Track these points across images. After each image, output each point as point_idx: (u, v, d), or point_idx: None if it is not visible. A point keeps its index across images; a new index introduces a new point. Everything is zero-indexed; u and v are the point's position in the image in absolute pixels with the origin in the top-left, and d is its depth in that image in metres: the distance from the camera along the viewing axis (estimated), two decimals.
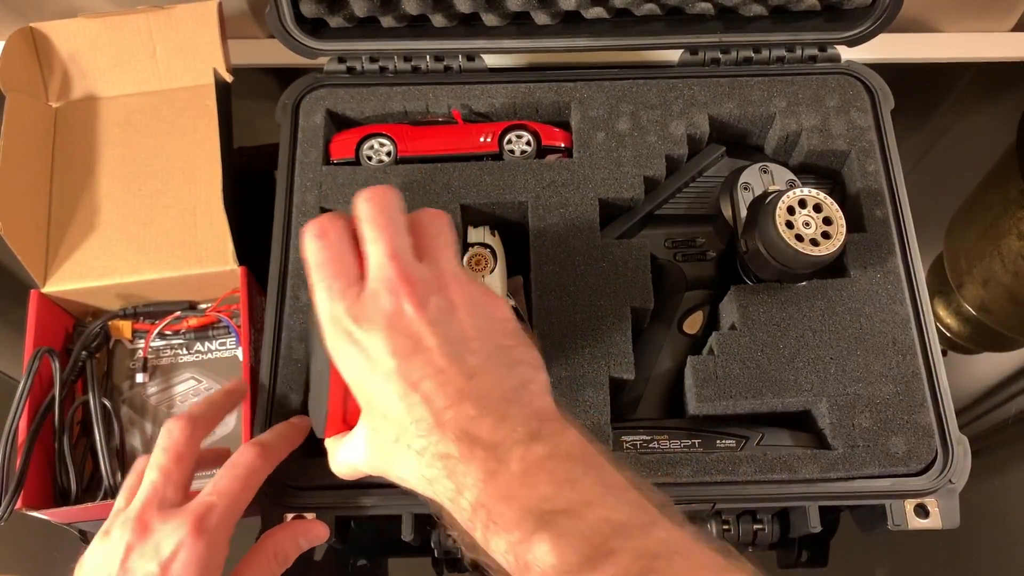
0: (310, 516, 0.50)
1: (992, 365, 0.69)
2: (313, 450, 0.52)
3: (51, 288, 0.59)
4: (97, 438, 0.57)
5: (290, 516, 0.50)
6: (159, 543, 0.41)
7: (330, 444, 0.45)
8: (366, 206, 0.40)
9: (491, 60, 0.64)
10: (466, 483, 0.35)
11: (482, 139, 0.61)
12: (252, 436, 0.52)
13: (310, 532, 0.48)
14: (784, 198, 0.51)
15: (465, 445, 0.35)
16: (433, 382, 0.36)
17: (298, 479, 0.50)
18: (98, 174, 0.64)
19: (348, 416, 0.46)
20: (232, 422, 0.60)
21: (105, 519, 0.45)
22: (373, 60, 0.63)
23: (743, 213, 0.56)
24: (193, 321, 0.63)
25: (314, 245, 0.40)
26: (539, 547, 0.33)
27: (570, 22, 0.63)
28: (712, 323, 0.58)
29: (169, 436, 0.45)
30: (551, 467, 0.35)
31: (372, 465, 0.40)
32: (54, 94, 0.67)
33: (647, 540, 0.33)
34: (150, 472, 0.44)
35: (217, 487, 0.44)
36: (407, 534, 0.50)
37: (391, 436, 0.38)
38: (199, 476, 0.47)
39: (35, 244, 0.60)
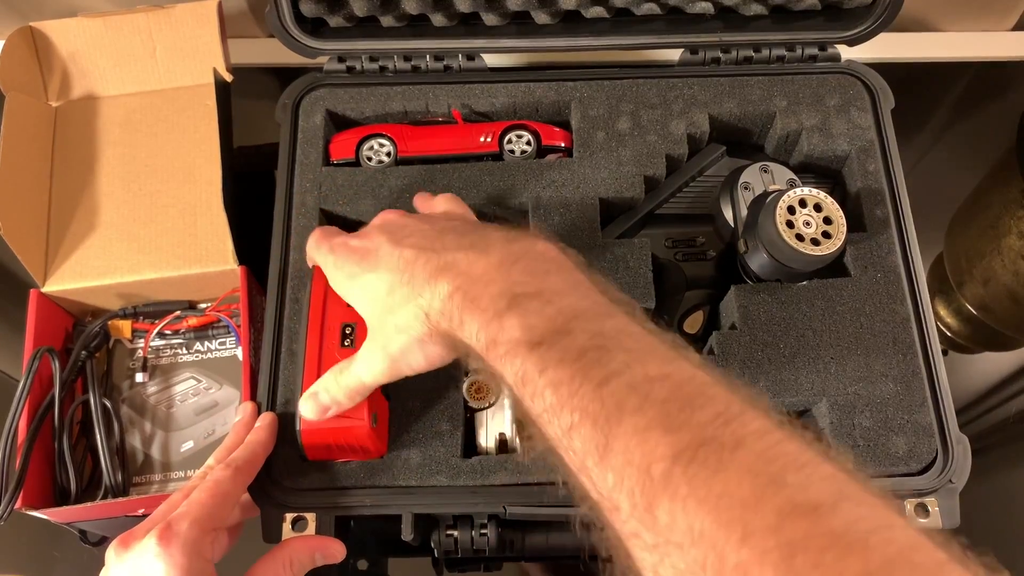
0: (309, 517, 0.50)
1: (992, 364, 0.70)
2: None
3: (51, 287, 0.59)
4: (98, 438, 0.57)
5: (290, 516, 0.50)
6: (134, 556, 0.42)
7: (328, 379, 0.47)
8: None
9: (491, 60, 0.64)
10: (447, 277, 0.40)
11: (482, 139, 0.61)
12: None
13: (327, 549, 0.48)
14: (784, 197, 0.51)
15: (448, 250, 0.41)
16: (421, 234, 0.43)
17: (298, 480, 0.50)
18: (98, 174, 0.64)
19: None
20: (232, 422, 0.59)
21: (104, 519, 0.45)
22: (373, 60, 0.63)
23: (743, 213, 0.56)
24: (193, 321, 0.63)
25: (323, 247, 0.48)
26: (507, 322, 0.37)
27: (570, 21, 0.63)
28: (712, 323, 0.58)
29: (214, 480, 0.46)
30: (526, 262, 0.39)
31: (376, 352, 0.44)
32: (54, 94, 0.67)
33: (604, 325, 0.36)
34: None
35: (188, 500, 0.45)
36: (407, 534, 0.50)
37: (390, 298, 0.42)
38: None
39: (35, 243, 0.60)
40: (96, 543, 0.60)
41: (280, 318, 0.55)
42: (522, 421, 0.37)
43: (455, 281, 0.39)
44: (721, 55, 0.63)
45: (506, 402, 0.53)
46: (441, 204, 0.51)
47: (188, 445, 0.60)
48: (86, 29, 0.65)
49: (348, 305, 0.48)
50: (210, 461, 0.48)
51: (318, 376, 0.48)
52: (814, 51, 0.63)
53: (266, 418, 0.51)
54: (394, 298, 0.42)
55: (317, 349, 0.50)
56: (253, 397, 0.53)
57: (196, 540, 0.42)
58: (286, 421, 0.52)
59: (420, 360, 0.43)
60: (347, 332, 0.50)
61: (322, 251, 0.48)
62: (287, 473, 0.50)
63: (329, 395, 0.46)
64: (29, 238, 0.60)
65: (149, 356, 0.62)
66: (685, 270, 0.59)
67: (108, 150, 0.65)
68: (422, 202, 0.53)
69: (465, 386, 0.52)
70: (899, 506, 0.29)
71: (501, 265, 0.39)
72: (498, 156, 0.61)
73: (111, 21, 0.65)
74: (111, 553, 0.43)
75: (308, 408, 0.47)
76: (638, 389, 0.33)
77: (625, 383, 0.33)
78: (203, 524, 0.43)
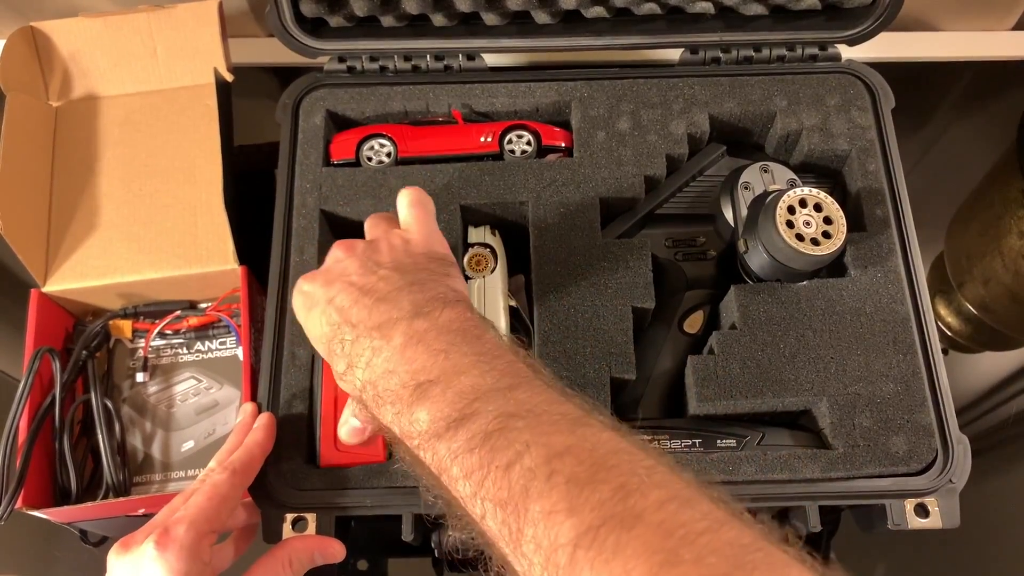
0: (310, 517, 0.50)
1: (993, 364, 0.69)
2: (312, 453, 0.52)
3: (51, 287, 0.59)
4: (100, 437, 0.57)
5: (290, 517, 0.50)
6: (133, 560, 0.43)
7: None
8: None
9: (491, 59, 0.64)
10: (358, 368, 0.41)
11: (482, 139, 0.61)
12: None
13: (327, 549, 0.49)
14: (785, 197, 0.51)
15: (359, 329, 0.41)
16: (345, 294, 0.43)
17: (299, 480, 0.50)
18: (98, 173, 0.64)
19: (338, 443, 0.50)
20: (233, 422, 0.59)
21: (105, 519, 0.45)
22: (373, 59, 0.63)
23: (743, 212, 0.56)
24: (193, 320, 0.63)
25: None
26: (415, 415, 0.38)
27: (570, 21, 0.63)
28: (712, 323, 0.58)
29: (212, 483, 0.46)
30: (429, 339, 0.39)
31: (344, 389, 0.44)
32: (54, 93, 0.67)
33: (507, 402, 0.36)
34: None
35: (186, 504, 0.45)
36: (407, 534, 0.50)
37: (328, 349, 0.43)
38: None
39: (35, 243, 0.60)
40: (96, 543, 0.60)
41: (280, 318, 0.55)
42: (449, 502, 0.37)
43: (364, 374, 0.40)
44: (721, 55, 0.63)
45: None
46: (387, 222, 0.50)
47: (189, 445, 0.60)
48: (86, 29, 0.65)
49: None
50: (212, 464, 0.49)
51: (336, 398, 0.51)
52: (814, 51, 0.63)
53: (263, 419, 0.51)
54: (333, 353, 0.43)
55: (334, 386, 0.51)
56: (254, 397, 0.54)
57: (193, 544, 0.43)
58: (287, 423, 0.52)
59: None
60: None
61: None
62: (287, 473, 0.50)
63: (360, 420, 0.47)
64: (30, 238, 0.60)
65: (150, 356, 0.62)
66: (685, 270, 0.59)
67: (108, 150, 0.65)
68: (373, 227, 0.51)
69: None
70: (804, 560, 0.30)
71: (404, 349, 0.39)
72: (498, 156, 0.61)
73: (111, 21, 0.65)
74: (112, 556, 0.43)
75: (346, 433, 0.48)
76: (541, 470, 0.33)
77: (529, 466, 0.34)
78: (200, 527, 0.43)
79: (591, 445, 0.34)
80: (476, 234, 0.59)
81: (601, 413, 0.37)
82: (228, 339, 0.63)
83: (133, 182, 0.63)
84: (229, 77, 0.66)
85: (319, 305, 0.44)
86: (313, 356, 0.54)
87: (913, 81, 0.80)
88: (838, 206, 0.51)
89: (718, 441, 0.52)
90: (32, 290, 0.59)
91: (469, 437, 0.36)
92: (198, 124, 0.65)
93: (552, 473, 0.33)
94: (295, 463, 0.51)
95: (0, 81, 0.62)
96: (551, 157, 0.61)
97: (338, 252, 0.47)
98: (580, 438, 0.34)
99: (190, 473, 0.59)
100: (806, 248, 0.50)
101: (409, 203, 0.49)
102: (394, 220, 0.50)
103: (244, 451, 0.49)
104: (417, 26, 0.63)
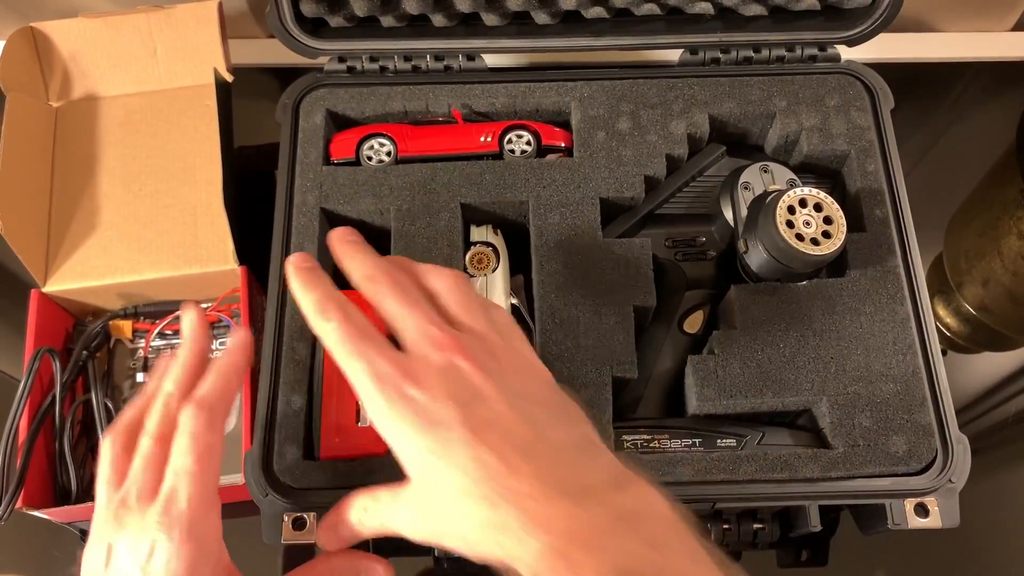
0: (310, 517, 0.50)
1: (992, 365, 0.70)
2: (311, 447, 0.52)
3: (51, 288, 0.59)
4: (100, 437, 0.57)
5: (288, 517, 0.50)
6: (133, 542, 0.38)
7: (363, 502, 0.41)
8: (376, 287, 0.38)
9: (491, 60, 0.64)
10: (540, 527, 0.31)
11: (482, 139, 0.61)
12: (251, 438, 0.52)
13: (372, 571, 0.43)
14: (785, 197, 0.51)
15: (544, 487, 0.32)
16: (499, 430, 0.34)
17: (298, 479, 0.50)
18: (98, 174, 0.64)
19: (341, 437, 0.49)
20: (233, 421, 0.60)
21: None
22: (373, 60, 0.63)
23: (743, 212, 0.56)
24: None
25: (332, 325, 0.37)
26: None
27: (570, 22, 0.63)
28: (712, 322, 0.58)
29: (192, 435, 0.40)
30: (637, 524, 0.32)
31: (423, 530, 0.36)
32: (54, 94, 0.67)
33: None
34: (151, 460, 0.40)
35: (175, 468, 0.39)
36: None
37: (454, 490, 0.33)
38: None
39: (35, 243, 0.60)
40: None
41: (280, 318, 0.55)
42: None
43: (549, 537, 0.31)
44: (721, 55, 0.63)
45: None
46: (481, 306, 0.40)
47: None
48: (86, 29, 0.66)
49: None
50: (168, 387, 0.42)
51: (336, 389, 0.49)
52: (814, 51, 0.63)
53: (240, 337, 0.44)
54: (465, 501, 0.33)
55: (335, 378, 0.51)
56: (253, 395, 0.54)
57: (201, 520, 0.38)
58: (287, 418, 0.52)
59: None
60: None
61: (354, 360, 0.37)
62: (287, 472, 0.50)
63: (352, 531, 0.41)
64: (30, 238, 0.60)
65: (150, 356, 0.62)
66: (685, 270, 0.59)
67: (109, 150, 0.65)
68: (467, 307, 0.39)
69: None
70: None
71: (614, 527, 0.31)
72: (498, 156, 0.61)
73: (111, 21, 0.65)
74: (107, 522, 0.38)
75: (326, 540, 0.41)
76: None
77: None
78: (203, 496, 0.38)
79: None
80: (478, 232, 0.59)
81: None
82: (228, 339, 0.63)
83: (133, 182, 0.63)
84: (229, 77, 0.66)
85: (452, 436, 0.34)
86: (313, 352, 0.53)
87: (913, 82, 0.80)
88: (838, 206, 0.52)
89: (718, 441, 0.52)
90: (32, 290, 0.59)
91: None
92: (198, 124, 0.65)
93: None
94: (295, 462, 0.51)
95: (0, 81, 0.62)
96: (551, 157, 0.61)
97: (453, 353, 0.35)
98: None
99: None
100: (806, 248, 0.50)
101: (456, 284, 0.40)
102: (455, 309, 0.39)
103: (220, 379, 0.41)
104: (417, 26, 0.63)
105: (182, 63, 0.67)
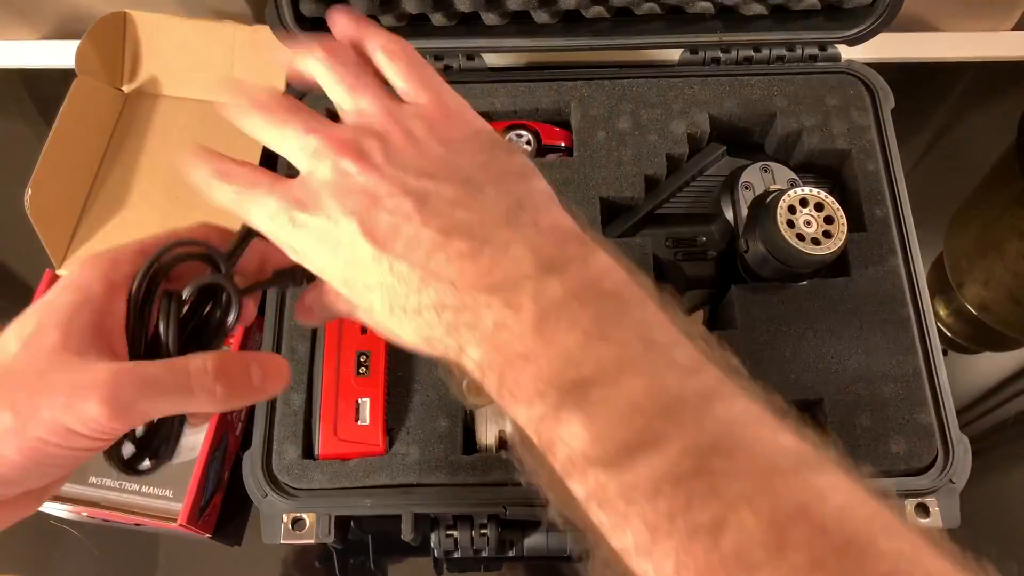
0: (309, 517, 0.50)
1: (992, 365, 0.69)
2: (309, 446, 0.52)
3: (65, 271, 0.59)
4: None
5: (288, 517, 0.50)
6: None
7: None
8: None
9: (491, 59, 0.64)
10: (469, 339, 0.28)
11: None
12: (250, 439, 0.52)
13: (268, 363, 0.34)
14: (785, 197, 0.51)
15: (461, 292, 0.28)
16: (405, 232, 0.29)
17: (298, 480, 0.50)
18: (144, 171, 0.64)
19: (339, 432, 0.50)
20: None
21: (105, 519, 0.44)
22: None
23: (744, 212, 0.56)
24: None
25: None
26: (567, 428, 0.26)
27: (570, 21, 0.63)
28: (712, 323, 0.58)
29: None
30: (573, 310, 0.27)
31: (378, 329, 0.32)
32: (128, 81, 0.67)
33: (702, 423, 0.26)
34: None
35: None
36: (407, 534, 0.50)
37: (383, 307, 0.30)
38: None
39: (62, 225, 0.60)
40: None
41: (280, 318, 0.55)
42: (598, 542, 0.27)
43: (480, 351, 0.28)
44: (721, 55, 0.63)
45: None
46: (373, 89, 0.35)
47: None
48: (176, 27, 0.66)
49: (363, 332, 0.50)
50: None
51: (335, 390, 0.51)
52: (814, 51, 0.63)
53: (279, 365, 0.34)
54: (395, 315, 0.30)
55: (334, 377, 0.51)
56: None
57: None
58: (285, 416, 0.52)
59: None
60: (362, 360, 0.52)
61: (226, 189, 0.34)
62: (286, 471, 0.50)
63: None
64: (56, 218, 0.60)
65: None
66: (685, 270, 0.59)
67: (160, 150, 0.65)
68: (355, 96, 0.36)
69: (464, 384, 0.52)
70: None
71: (542, 325, 0.27)
72: None
73: (200, 26, 0.66)
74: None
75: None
76: (768, 544, 0.24)
77: (752, 538, 0.24)
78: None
79: (834, 508, 0.25)
80: None
81: (823, 447, 0.28)
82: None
83: (173, 187, 0.63)
84: None
85: (352, 242, 0.30)
86: (312, 350, 0.53)
87: (913, 81, 0.79)
88: (839, 206, 0.51)
89: None
90: (46, 270, 0.59)
91: (654, 475, 0.25)
92: (250, 145, 0.65)
93: (783, 546, 0.24)
94: (294, 457, 0.51)
95: (76, 61, 0.62)
96: (551, 157, 0.61)
97: (336, 158, 0.32)
98: (815, 494, 0.25)
99: None
100: (806, 248, 0.50)
101: (388, 53, 0.35)
102: (371, 81, 0.35)
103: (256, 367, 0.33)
104: (416, 26, 0.63)
105: (254, 81, 0.67)
